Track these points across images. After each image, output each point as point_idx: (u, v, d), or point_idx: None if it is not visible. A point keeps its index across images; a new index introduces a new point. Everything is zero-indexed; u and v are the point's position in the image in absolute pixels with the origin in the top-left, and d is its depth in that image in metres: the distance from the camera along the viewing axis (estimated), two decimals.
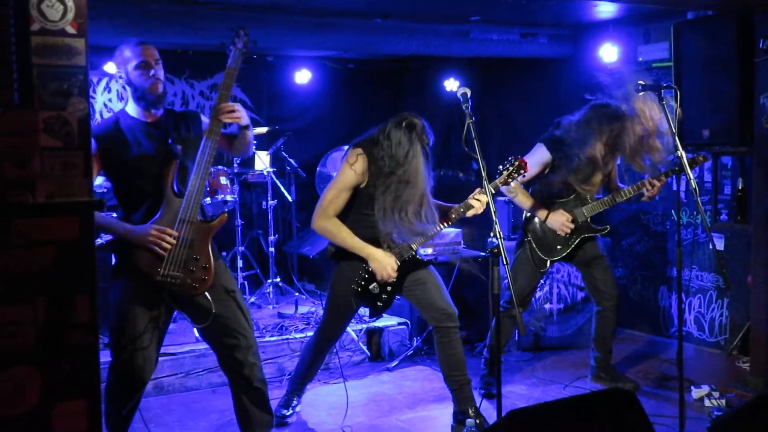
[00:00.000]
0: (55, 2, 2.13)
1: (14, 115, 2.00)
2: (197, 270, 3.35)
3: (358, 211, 4.03)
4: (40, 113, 2.10)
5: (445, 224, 4.09)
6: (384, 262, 3.98)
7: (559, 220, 4.66)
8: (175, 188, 3.37)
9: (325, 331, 4.26)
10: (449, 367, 4.17)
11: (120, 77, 3.41)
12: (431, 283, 4.14)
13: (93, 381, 2.22)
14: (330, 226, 3.96)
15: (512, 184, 4.59)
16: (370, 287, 4.05)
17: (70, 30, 2.16)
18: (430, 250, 5.97)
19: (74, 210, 2.15)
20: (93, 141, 3.31)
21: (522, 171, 4.09)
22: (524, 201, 4.71)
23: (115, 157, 3.34)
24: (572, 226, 4.67)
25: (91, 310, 2.17)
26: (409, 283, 4.12)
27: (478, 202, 4.04)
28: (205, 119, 3.55)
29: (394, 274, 4.01)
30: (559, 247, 4.76)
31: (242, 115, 3.44)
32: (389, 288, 4.07)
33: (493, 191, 4.05)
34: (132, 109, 3.44)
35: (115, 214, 3.54)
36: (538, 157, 4.65)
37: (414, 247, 4.06)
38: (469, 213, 4.07)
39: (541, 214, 4.69)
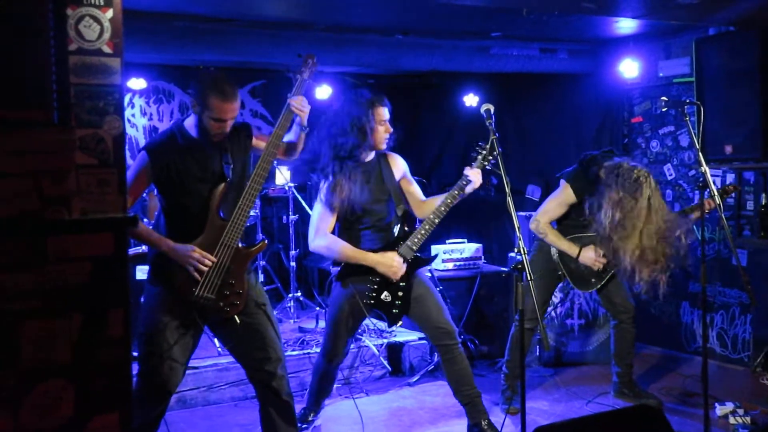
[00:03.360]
0: (92, 22, 2.18)
1: (52, 134, 2.04)
2: (231, 295, 3.40)
3: (351, 227, 4.06)
4: (76, 131, 2.14)
5: (443, 211, 3.98)
6: (387, 262, 3.99)
7: (591, 257, 4.65)
8: (221, 212, 3.41)
9: (327, 352, 4.24)
10: (457, 382, 4.19)
11: (193, 106, 3.38)
12: (430, 300, 4.15)
13: (126, 395, 2.25)
14: (327, 242, 4.00)
15: (541, 226, 4.63)
16: (382, 296, 4.06)
17: (107, 49, 2.21)
18: (450, 266, 5.99)
19: (109, 226, 2.18)
20: (146, 154, 3.37)
21: (494, 152, 3.93)
22: (556, 241, 4.68)
23: (167, 174, 3.38)
24: (604, 260, 4.65)
25: (124, 325, 2.20)
26: (412, 288, 4.12)
27: (475, 175, 3.93)
28: (255, 132, 3.64)
29: (403, 268, 4.01)
30: (593, 280, 4.76)
31: (306, 112, 3.57)
32: (400, 293, 4.07)
33: (479, 168, 3.97)
34: (191, 126, 3.45)
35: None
36: (563, 199, 4.65)
37: (414, 248, 4.05)
38: (469, 189, 3.96)
39: (573, 251, 4.67)
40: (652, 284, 4.49)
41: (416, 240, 4.04)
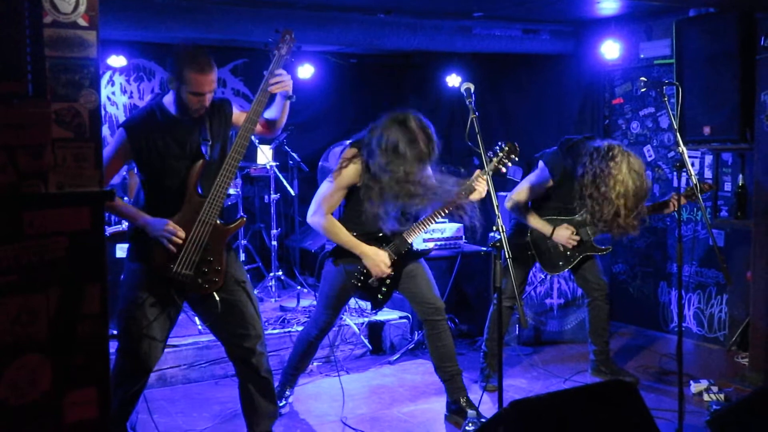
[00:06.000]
0: None
1: (27, 107, 2.02)
2: (210, 272, 3.39)
3: (354, 208, 4.07)
4: (52, 105, 2.13)
5: (444, 212, 4.09)
6: (377, 260, 4.02)
7: (565, 235, 4.70)
8: (199, 189, 3.39)
9: (318, 323, 4.30)
10: (440, 358, 4.24)
11: (170, 81, 3.35)
12: (421, 276, 4.19)
13: (103, 370, 2.25)
14: (324, 222, 4.00)
15: (517, 205, 4.68)
16: (369, 281, 4.09)
17: (82, 22, 2.19)
18: (431, 245, 6.01)
19: (85, 200, 2.17)
20: (124, 131, 3.35)
21: (513, 155, 4.10)
22: (530, 220, 4.73)
23: (146, 151, 3.36)
24: (577, 238, 4.71)
25: (101, 300, 2.20)
26: (401, 276, 4.17)
27: (481, 185, 4.03)
28: (236, 107, 3.61)
29: (388, 271, 4.06)
30: (561, 263, 4.82)
31: (289, 84, 3.50)
32: (388, 281, 4.12)
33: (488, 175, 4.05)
34: (170, 103, 3.42)
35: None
36: (540, 180, 4.70)
37: (410, 240, 4.10)
38: (473, 197, 4.06)
39: (546, 230, 4.72)
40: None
41: (414, 234, 4.10)
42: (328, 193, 4.00)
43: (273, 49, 3.51)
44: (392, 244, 4.08)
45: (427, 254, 4.34)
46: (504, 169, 4.15)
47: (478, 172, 4.07)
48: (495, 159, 4.08)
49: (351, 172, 3.98)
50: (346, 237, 4.02)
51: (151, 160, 3.38)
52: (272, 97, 3.57)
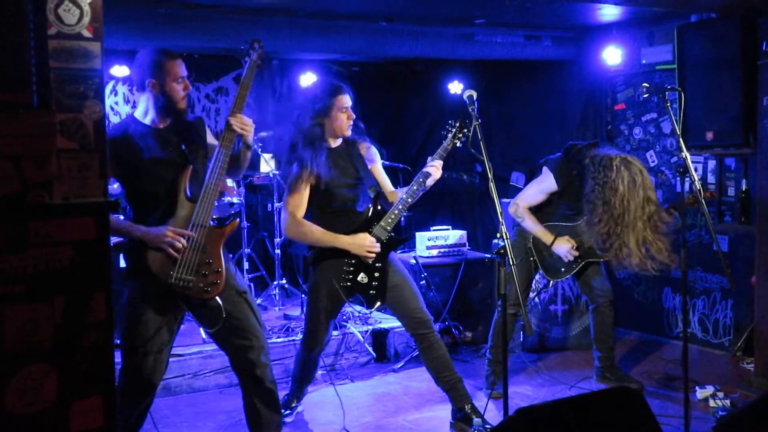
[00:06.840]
0: (72, 6, 2.17)
1: (33, 117, 2.03)
2: (209, 274, 3.39)
3: (322, 211, 4.07)
4: (57, 115, 2.14)
5: (409, 201, 4.05)
6: (360, 243, 4.00)
7: (565, 248, 4.70)
8: (188, 193, 3.41)
9: (308, 342, 4.26)
10: (436, 370, 4.23)
11: (150, 86, 3.37)
12: (407, 290, 4.17)
13: (109, 379, 2.25)
14: (302, 228, 4.00)
15: (520, 210, 4.67)
16: (359, 278, 4.07)
17: (86, 34, 2.20)
18: (435, 252, 6.01)
19: (90, 211, 2.18)
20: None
21: (465, 129, 4.06)
22: (532, 226, 4.73)
23: (129, 163, 3.37)
24: (577, 253, 4.70)
25: (107, 309, 2.20)
26: (388, 270, 4.14)
27: (433, 167, 4.04)
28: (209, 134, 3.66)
29: (377, 248, 4.02)
30: (563, 269, 4.82)
31: (251, 133, 3.50)
32: (377, 274, 4.08)
33: (444, 154, 4.08)
34: (143, 115, 3.46)
35: (122, 216, 3.57)
36: (544, 186, 4.69)
37: (388, 227, 4.06)
38: (430, 182, 4.05)
39: (547, 239, 4.71)
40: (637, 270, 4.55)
41: (390, 220, 4.06)
42: (293, 200, 4.01)
43: (244, 57, 3.54)
44: (373, 234, 4.05)
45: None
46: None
47: (430, 158, 4.08)
48: (450, 136, 4.07)
49: (298, 176, 4.00)
50: (321, 234, 4.00)
51: (132, 170, 3.39)
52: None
